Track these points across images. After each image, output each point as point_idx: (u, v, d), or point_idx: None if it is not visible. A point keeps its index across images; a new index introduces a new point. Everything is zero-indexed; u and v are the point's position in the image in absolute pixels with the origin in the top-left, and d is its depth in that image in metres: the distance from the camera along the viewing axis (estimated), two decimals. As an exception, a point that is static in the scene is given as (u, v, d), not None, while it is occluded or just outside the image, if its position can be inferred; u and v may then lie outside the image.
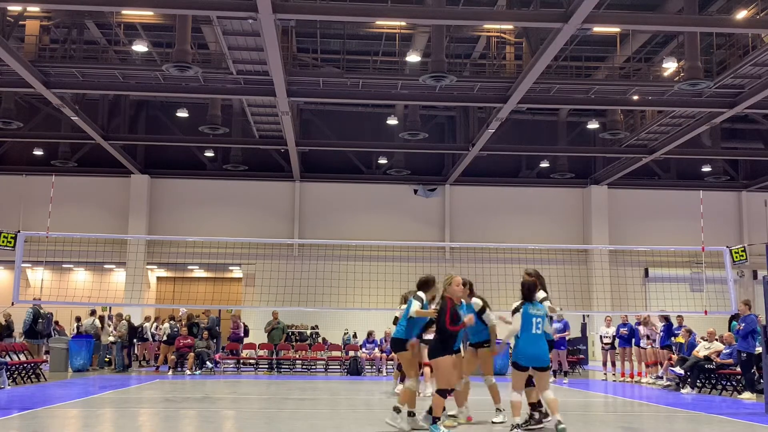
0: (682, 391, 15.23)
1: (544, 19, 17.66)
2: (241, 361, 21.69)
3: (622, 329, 19.08)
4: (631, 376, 18.99)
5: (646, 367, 18.53)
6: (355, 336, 23.58)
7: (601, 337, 20.19)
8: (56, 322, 24.22)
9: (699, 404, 11.94)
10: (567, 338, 18.93)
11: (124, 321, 20.99)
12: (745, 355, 14.02)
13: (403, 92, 22.74)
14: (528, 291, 8.71)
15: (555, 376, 18.20)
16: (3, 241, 12.34)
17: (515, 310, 8.68)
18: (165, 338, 20.99)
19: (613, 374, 19.54)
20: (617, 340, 19.40)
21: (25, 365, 16.57)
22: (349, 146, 29.64)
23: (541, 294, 9.48)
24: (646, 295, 29.86)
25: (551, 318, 10.96)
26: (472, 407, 9.75)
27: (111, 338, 20.72)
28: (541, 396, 8.68)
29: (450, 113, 30.35)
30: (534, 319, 8.54)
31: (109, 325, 21.92)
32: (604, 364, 19.92)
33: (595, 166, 31.61)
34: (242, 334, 22.16)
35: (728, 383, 14.71)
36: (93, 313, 22.13)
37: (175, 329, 20.88)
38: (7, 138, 28.26)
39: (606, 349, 19.76)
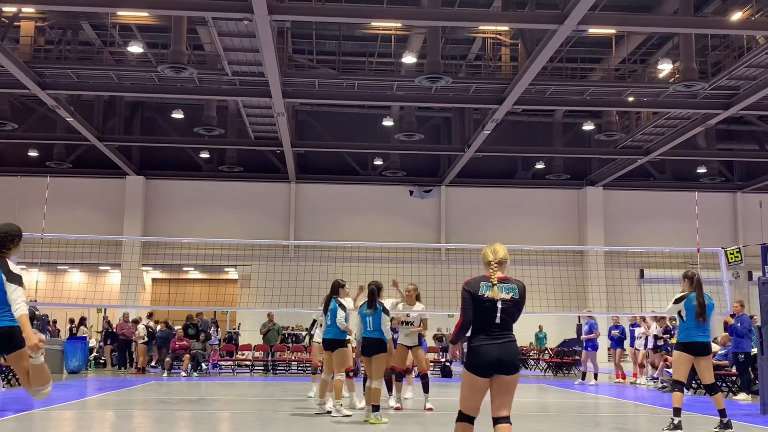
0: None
1: (540, 20, 17.68)
2: (237, 362, 21.67)
3: (613, 331, 18.93)
4: (624, 377, 18.96)
5: (640, 368, 18.47)
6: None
7: (633, 338, 18.87)
8: (54, 322, 24.21)
9: (694, 405, 11.93)
10: (596, 339, 18.43)
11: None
12: (742, 356, 14.04)
13: (399, 93, 22.74)
14: None
15: (583, 378, 18.27)
16: (-2, 243, 12.29)
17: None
18: (145, 340, 21.13)
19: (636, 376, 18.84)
20: (610, 342, 19.28)
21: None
22: (344, 147, 29.62)
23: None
24: (642, 296, 29.90)
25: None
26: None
27: None
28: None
29: (445, 114, 30.35)
30: None
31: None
32: (641, 366, 18.42)
33: (591, 168, 31.64)
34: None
35: (724, 384, 14.72)
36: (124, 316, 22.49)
37: (151, 330, 21.03)
38: (2, 139, 28.19)
39: (638, 349, 18.32)
